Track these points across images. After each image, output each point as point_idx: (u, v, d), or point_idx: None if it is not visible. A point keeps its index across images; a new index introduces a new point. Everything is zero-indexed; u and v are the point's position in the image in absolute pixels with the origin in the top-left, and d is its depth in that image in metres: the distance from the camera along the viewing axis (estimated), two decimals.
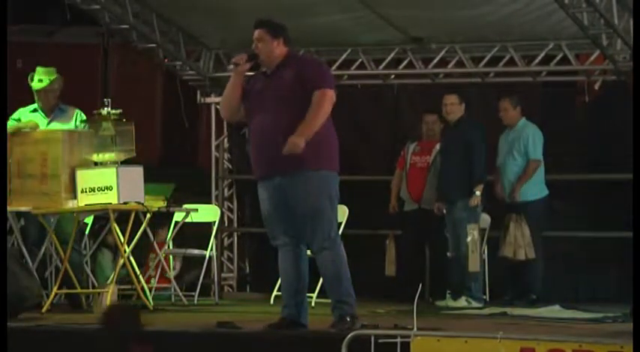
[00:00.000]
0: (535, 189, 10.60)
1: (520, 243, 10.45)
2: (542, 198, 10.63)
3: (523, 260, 10.47)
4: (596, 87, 11.44)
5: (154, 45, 11.76)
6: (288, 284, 7.73)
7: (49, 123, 9.63)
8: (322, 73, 7.63)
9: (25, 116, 9.65)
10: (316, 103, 7.39)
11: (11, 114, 9.61)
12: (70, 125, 9.55)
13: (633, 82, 7.91)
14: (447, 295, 10.44)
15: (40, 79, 9.59)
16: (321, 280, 10.19)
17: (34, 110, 9.66)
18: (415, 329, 7.11)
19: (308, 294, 10.60)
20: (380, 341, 6.86)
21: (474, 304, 10.17)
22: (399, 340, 6.87)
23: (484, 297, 10.54)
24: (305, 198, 7.43)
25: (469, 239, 10.24)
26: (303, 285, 7.74)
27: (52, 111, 9.63)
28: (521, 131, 10.63)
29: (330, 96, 7.46)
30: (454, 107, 10.50)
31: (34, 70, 9.63)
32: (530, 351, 6.60)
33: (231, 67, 7.68)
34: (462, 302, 10.25)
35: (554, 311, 9.65)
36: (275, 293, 10.60)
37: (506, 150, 10.67)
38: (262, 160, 7.50)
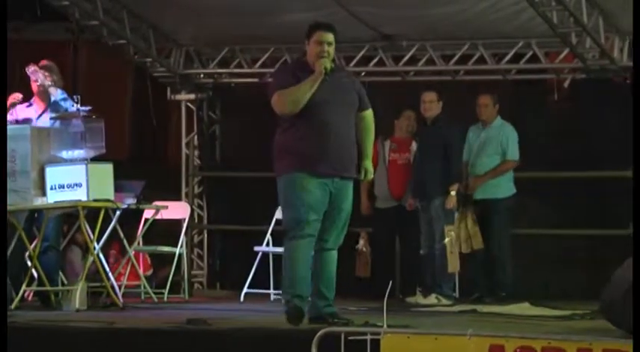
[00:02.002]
0: (505, 187, 10.63)
1: (464, 236, 10.50)
2: (511, 197, 10.66)
3: (469, 252, 10.51)
4: (566, 85, 11.49)
5: (124, 41, 11.73)
6: (306, 274, 7.77)
7: (38, 117, 9.61)
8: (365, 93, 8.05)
9: (21, 110, 9.64)
10: (371, 124, 7.91)
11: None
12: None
13: (633, 82, 7.94)
14: (418, 292, 10.46)
15: (35, 79, 9.59)
16: None
17: (30, 105, 9.66)
18: (385, 326, 7.13)
19: (278, 291, 10.69)
20: (350, 338, 6.87)
21: (444, 301, 10.20)
22: (369, 337, 6.88)
23: (454, 295, 10.56)
24: (349, 201, 7.84)
25: (447, 240, 10.26)
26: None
27: (47, 106, 9.60)
28: (498, 130, 10.62)
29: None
30: (432, 105, 10.50)
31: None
32: (500, 348, 6.62)
33: (327, 72, 7.70)
34: (432, 299, 10.27)
35: (524, 308, 9.68)
36: (245, 290, 10.60)
37: (478, 148, 10.67)
38: (325, 158, 7.66)
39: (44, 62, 9.64)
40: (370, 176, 7.97)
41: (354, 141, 7.82)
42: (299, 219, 7.70)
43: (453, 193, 10.33)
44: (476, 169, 10.65)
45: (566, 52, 11.07)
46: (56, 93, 9.53)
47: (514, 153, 10.59)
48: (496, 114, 10.69)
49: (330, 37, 7.79)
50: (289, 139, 7.74)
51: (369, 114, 7.91)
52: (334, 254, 7.86)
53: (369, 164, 7.91)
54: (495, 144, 10.60)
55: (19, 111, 9.65)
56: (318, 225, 7.74)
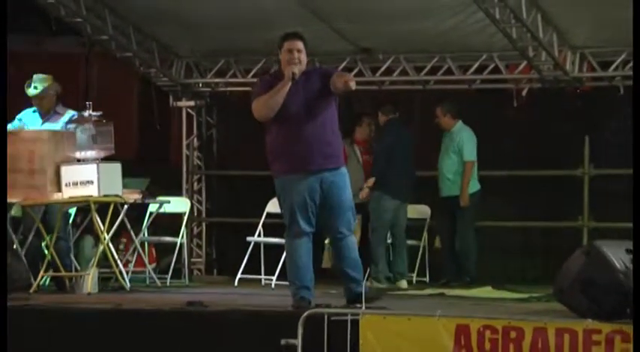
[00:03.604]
0: (468, 184, 10.60)
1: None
2: (474, 193, 10.64)
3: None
4: (524, 94, 11.49)
5: (130, 54, 11.70)
6: (307, 265, 7.63)
7: (42, 124, 9.58)
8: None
9: (28, 116, 9.62)
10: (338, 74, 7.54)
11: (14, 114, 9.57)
12: (59, 125, 9.49)
13: (633, 82, 7.89)
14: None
15: (35, 86, 9.54)
16: (280, 265, 10.28)
17: (35, 111, 9.62)
18: (364, 307, 7.13)
19: (268, 277, 10.65)
20: (332, 318, 6.87)
21: (375, 284, 10.08)
22: (349, 318, 6.89)
23: (389, 275, 10.43)
24: (346, 189, 7.60)
25: None
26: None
27: (47, 114, 9.58)
28: (456, 134, 10.62)
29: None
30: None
31: (24, 77, 9.57)
32: (466, 327, 6.64)
33: (297, 77, 7.50)
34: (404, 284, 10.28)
35: (487, 291, 9.69)
36: (239, 276, 10.58)
37: (443, 151, 10.69)
38: (305, 157, 7.48)
39: (39, 90, 9.52)
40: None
41: (334, 132, 7.58)
42: (291, 219, 7.57)
43: (365, 187, 10.34)
44: (442, 170, 10.62)
45: (524, 64, 11.07)
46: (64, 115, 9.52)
47: (469, 154, 10.55)
48: (451, 121, 10.64)
49: (298, 44, 7.60)
50: (274, 144, 7.60)
51: (337, 74, 7.55)
52: (350, 239, 7.59)
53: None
54: (453, 146, 10.57)
55: (27, 117, 9.60)
56: (312, 220, 7.53)
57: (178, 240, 10.81)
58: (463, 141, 10.56)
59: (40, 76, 9.55)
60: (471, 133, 10.64)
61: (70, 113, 9.56)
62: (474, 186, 10.64)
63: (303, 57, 7.60)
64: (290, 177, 7.55)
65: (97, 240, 10.04)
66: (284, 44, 7.64)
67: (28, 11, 10.81)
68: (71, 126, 9.40)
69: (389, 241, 10.58)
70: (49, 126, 9.52)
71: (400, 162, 10.44)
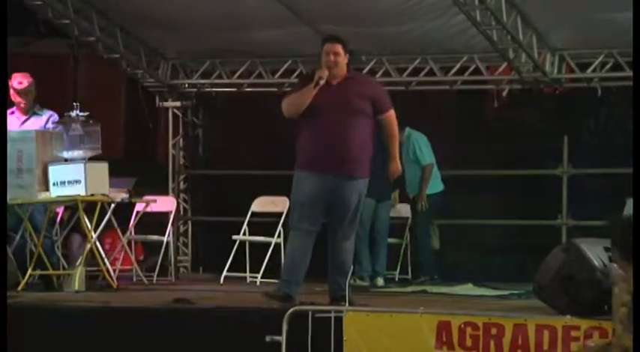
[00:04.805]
0: (432, 184, 10.54)
1: None
2: (437, 193, 10.57)
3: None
4: (504, 94, 11.52)
5: (117, 55, 11.68)
6: (300, 262, 7.68)
7: (22, 124, 9.54)
8: (386, 95, 7.83)
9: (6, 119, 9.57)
10: (389, 126, 7.70)
11: None
12: (40, 126, 9.47)
13: (633, 82, 7.90)
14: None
15: (20, 81, 9.51)
16: (265, 262, 10.28)
17: (12, 112, 9.57)
18: (347, 305, 7.13)
19: (253, 275, 10.64)
20: (317, 315, 6.88)
21: (358, 282, 10.09)
22: (333, 315, 6.89)
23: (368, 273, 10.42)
24: (354, 198, 7.66)
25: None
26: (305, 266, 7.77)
27: (27, 114, 9.54)
28: (407, 141, 10.42)
29: (394, 116, 7.77)
30: None
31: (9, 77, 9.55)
32: (447, 324, 6.65)
33: (322, 81, 7.54)
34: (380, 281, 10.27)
35: (468, 288, 9.70)
36: (224, 274, 10.57)
37: (403, 158, 10.53)
38: (324, 158, 7.51)
39: (26, 84, 9.50)
40: (394, 175, 7.83)
41: (360, 143, 7.60)
42: (294, 214, 7.65)
43: None
44: (407, 176, 10.47)
45: (504, 65, 11.09)
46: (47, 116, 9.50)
47: (426, 158, 10.46)
48: (400, 134, 10.47)
49: (335, 47, 7.65)
50: (299, 141, 7.65)
51: (386, 117, 7.70)
52: (346, 244, 7.66)
53: (392, 165, 7.79)
54: (409, 154, 10.40)
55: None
56: (315, 220, 7.58)
57: (165, 239, 10.79)
58: (416, 147, 10.45)
59: (20, 73, 9.54)
60: (421, 136, 10.50)
61: (47, 113, 9.53)
62: (437, 186, 10.56)
63: (341, 59, 7.64)
64: (304, 173, 7.59)
65: (85, 238, 10.01)
66: (323, 46, 7.70)
67: (15, 13, 10.76)
68: (59, 127, 9.37)
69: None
70: (30, 127, 9.49)
71: (376, 162, 10.36)
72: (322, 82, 7.55)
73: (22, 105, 9.50)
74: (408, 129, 10.49)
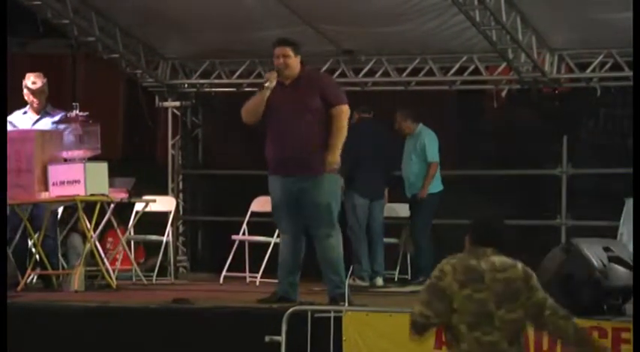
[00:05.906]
0: (431, 185, 10.53)
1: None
2: (437, 193, 10.56)
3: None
4: (503, 94, 11.51)
5: (117, 55, 11.67)
6: (285, 263, 7.74)
7: (34, 124, 9.53)
8: (339, 91, 7.80)
9: (18, 118, 9.56)
10: (338, 120, 7.57)
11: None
12: (49, 126, 9.46)
13: (633, 82, 7.90)
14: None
15: (34, 81, 9.51)
16: (264, 262, 10.27)
17: (25, 112, 9.57)
18: (347, 305, 7.13)
19: (253, 275, 10.63)
20: (316, 315, 6.87)
21: (358, 282, 10.09)
22: (332, 315, 6.89)
23: (368, 273, 10.37)
24: (322, 195, 7.58)
25: None
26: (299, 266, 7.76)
27: (39, 114, 9.53)
28: (419, 136, 10.50)
29: (346, 110, 7.66)
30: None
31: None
32: None
33: (267, 84, 7.58)
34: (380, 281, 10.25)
35: None
36: (224, 273, 10.55)
37: (405, 154, 10.57)
38: (283, 160, 7.54)
39: (39, 85, 9.50)
40: (328, 167, 7.59)
41: (319, 140, 7.59)
42: (274, 217, 7.74)
43: None
44: (406, 172, 10.50)
45: (503, 65, 11.08)
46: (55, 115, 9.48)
47: (433, 156, 10.47)
48: (412, 126, 10.50)
49: (283, 50, 7.68)
50: (266, 145, 7.72)
51: (333, 111, 7.61)
52: (327, 242, 7.64)
53: (329, 156, 7.57)
54: (415, 149, 10.47)
55: (17, 119, 9.56)
56: (290, 222, 7.64)
57: (164, 239, 10.79)
58: (426, 142, 10.45)
59: (34, 73, 9.55)
60: (433, 135, 10.51)
61: (59, 113, 9.53)
62: (437, 186, 10.56)
63: (291, 61, 7.66)
64: (272, 177, 7.69)
65: (85, 238, 10.00)
66: (274, 50, 7.75)
67: (13, 13, 10.75)
68: (60, 126, 9.37)
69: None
70: (42, 127, 9.48)
71: (369, 162, 10.34)
72: (268, 85, 7.62)
73: (35, 104, 9.51)
74: (421, 125, 10.49)
